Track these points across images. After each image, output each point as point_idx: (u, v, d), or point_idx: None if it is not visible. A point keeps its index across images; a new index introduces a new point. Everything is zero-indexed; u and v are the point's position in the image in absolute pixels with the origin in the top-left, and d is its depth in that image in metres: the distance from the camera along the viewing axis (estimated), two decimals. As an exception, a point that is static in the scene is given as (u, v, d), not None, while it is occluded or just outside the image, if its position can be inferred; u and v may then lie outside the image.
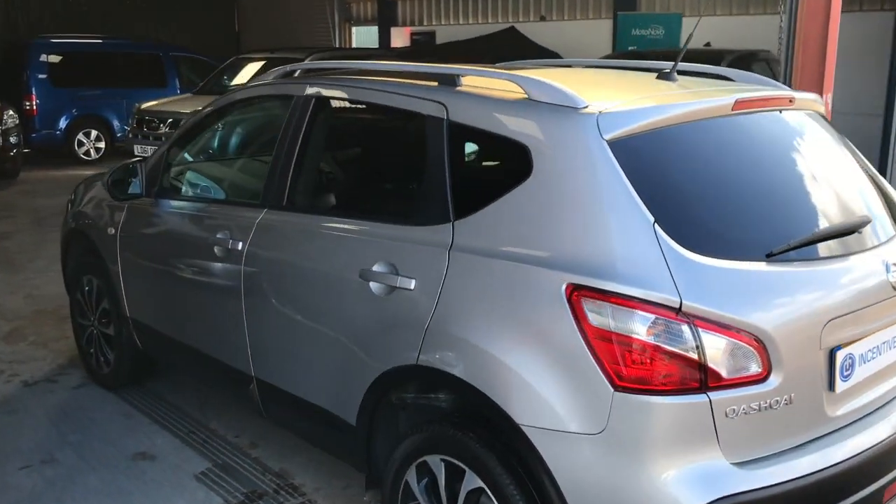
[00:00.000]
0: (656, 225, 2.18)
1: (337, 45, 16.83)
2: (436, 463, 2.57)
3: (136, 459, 3.80)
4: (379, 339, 2.69)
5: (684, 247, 2.18)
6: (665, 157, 2.40)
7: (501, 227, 2.42)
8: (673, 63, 2.90)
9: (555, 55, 11.18)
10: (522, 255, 2.33)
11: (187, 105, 10.78)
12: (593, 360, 2.14)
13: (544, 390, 2.23)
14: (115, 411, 4.30)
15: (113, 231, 4.13)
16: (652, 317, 2.11)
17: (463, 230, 2.51)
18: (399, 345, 2.61)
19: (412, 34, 15.77)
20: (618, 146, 2.29)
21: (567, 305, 2.19)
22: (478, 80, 2.77)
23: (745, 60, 8.64)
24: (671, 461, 2.12)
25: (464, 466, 2.46)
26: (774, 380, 2.18)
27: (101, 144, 13.96)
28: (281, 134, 3.24)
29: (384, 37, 16.19)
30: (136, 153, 10.78)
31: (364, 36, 17.38)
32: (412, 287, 2.57)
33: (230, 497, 3.47)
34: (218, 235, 3.38)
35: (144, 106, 11.04)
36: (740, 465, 2.17)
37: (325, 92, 3.15)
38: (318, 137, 3.19)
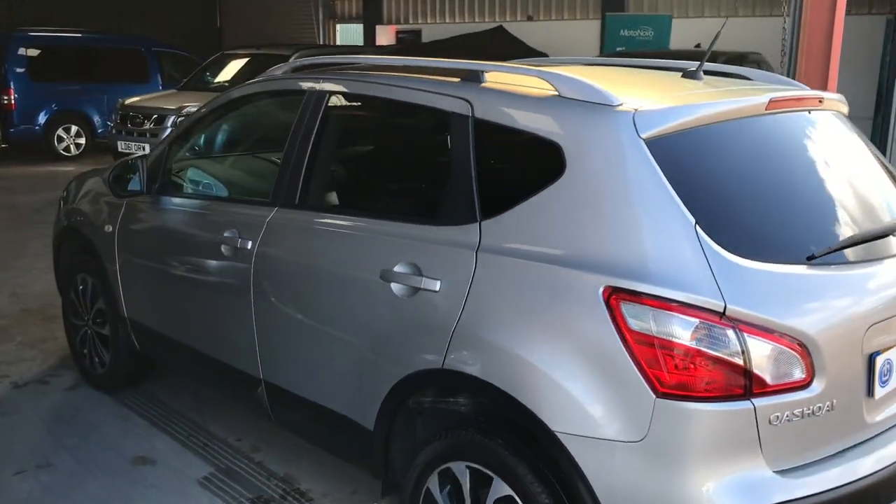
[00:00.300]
0: (697, 226, 2.13)
1: (321, 43, 16.68)
2: (460, 470, 2.50)
3: (136, 464, 3.69)
4: (400, 341, 2.62)
5: (725, 249, 2.13)
6: (701, 157, 2.35)
7: (532, 228, 2.35)
8: (699, 62, 2.85)
9: (543, 55, 11.14)
10: (556, 257, 2.27)
11: (172, 101, 10.63)
12: (634, 366, 2.08)
13: (581, 396, 2.16)
14: (112, 414, 4.18)
15: (111, 229, 4.02)
16: (696, 321, 2.05)
17: (490, 230, 2.44)
18: (423, 348, 2.53)
19: (398, 32, 15.67)
20: (655, 145, 2.24)
21: (605, 309, 2.13)
22: (502, 77, 2.70)
23: (736, 62, 8.61)
24: (714, 470, 2.06)
25: (491, 474, 2.39)
26: (817, 386, 2.14)
27: (82, 140, 13.73)
28: (292, 130, 3.15)
29: (369, 34, 16.08)
30: (119, 149, 10.61)
31: (348, 33, 17.25)
32: (437, 289, 2.50)
33: (235, 503, 3.37)
34: (225, 234, 3.29)
35: (128, 102, 10.85)
36: (782, 473, 2.12)
37: (340, 87, 3.07)
38: (333, 134, 3.11)
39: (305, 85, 3.18)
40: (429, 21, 15.26)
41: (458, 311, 2.42)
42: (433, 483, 2.59)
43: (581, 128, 2.33)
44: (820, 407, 2.15)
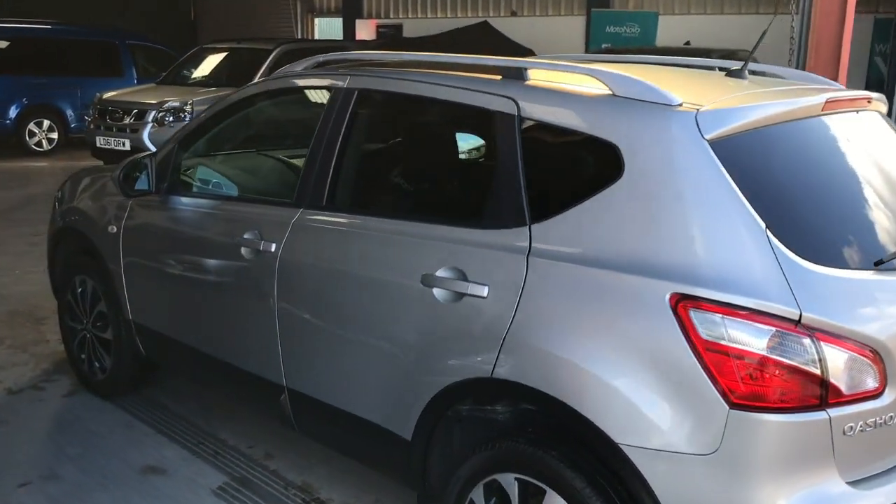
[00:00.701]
0: (768, 231, 2.06)
1: (299, 37, 16.46)
2: (509, 482, 2.41)
3: (145, 474, 3.55)
4: (443, 349, 2.52)
5: (797, 254, 2.06)
6: (764, 160, 2.28)
7: (588, 232, 2.27)
8: (744, 62, 2.78)
9: (529, 52, 11.08)
10: (615, 262, 2.19)
11: (152, 96, 10.40)
12: (705, 376, 2.01)
13: (647, 407, 2.08)
14: (115, 421, 4.03)
15: (115, 229, 3.86)
16: (771, 329, 1.98)
17: (542, 234, 2.35)
18: (469, 356, 2.44)
19: (378, 27, 15.51)
20: (719, 146, 2.16)
21: (673, 317, 2.06)
22: (547, 74, 2.62)
23: (726, 60, 8.64)
24: (788, 483, 2.00)
25: (544, 486, 2.31)
26: (889, 394, 2.08)
27: (54, 135, 13.42)
28: (318, 129, 3.03)
29: (349, 29, 15.89)
30: (98, 145, 10.36)
31: (327, 28, 17.05)
32: (485, 294, 2.40)
33: (255, 514, 3.27)
34: (245, 236, 3.16)
35: (106, 96, 10.59)
36: (854, 484, 2.07)
37: (371, 84, 2.96)
38: (363, 133, 3.00)
39: (331, 82, 3.07)
40: (410, 15, 15.12)
41: (509, 317, 2.33)
42: (477, 495, 2.50)
43: (640, 128, 2.24)
44: (892, 416, 2.09)
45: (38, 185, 10.90)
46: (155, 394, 4.32)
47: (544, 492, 2.31)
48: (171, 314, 3.69)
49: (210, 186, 3.64)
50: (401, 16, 15.32)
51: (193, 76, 11.48)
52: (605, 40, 11.30)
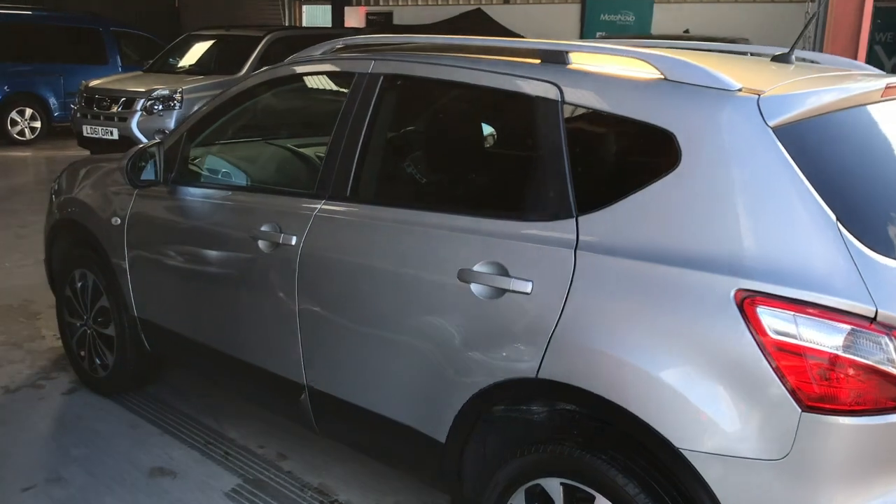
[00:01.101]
0: (839, 223, 1.95)
1: (287, 24, 16.22)
2: (553, 487, 2.29)
3: (154, 476, 3.41)
4: (483, 347, 2.39)
5: (868, 247, 1.95)
6: (829, 148, 2.17)
7: (643, 224, 2.14)
8: (790, 47, 2.67)
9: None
10: (673, 257, 2.07)
11: (140, 84, 10.18)
12: (775, 377, 1.90)
13: (711, 410, 1.97)
14: (119, 420, 3.88)
15: (118, 221, 3.70)
16: (846, 327, 1.87)
17: (590, 227, 2.23)
18: (512, 355, 2.31)
19: (368, 14, 15.29)
20: (783, 133, 2.05)
21: (738, 314, 1.94)
22: (589, 58, 2.49)
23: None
24: (862, 489, 1.89)
25: (593, 492, 2.19)
26: None
27: (37, 124, 13.15)
28: (341, 116, 2.88)
29: (337, 16, 15.66)
30: (84, 134, 10.12)
31: (315, 15, 16.80)
32: (528, 291, 2.28)
33: (273, 518, 3.13)
34: (262, 228, 3.01)
35: (93, 84, 10.35)
36: None
37: (397, 69, 2.81)
38: (390, 120, 2.86)
39: (354, 67, 2.92)
40: (400, 3, 14.91)
41: (556, 315, 2.21)
42: (518, 500, 2.39)
43: (698, 115, 2.12)
44: None
45: (22, 176, 10.66)
46: (159, 391, 4.17)
47: (593, 498, 2.19)
48: (180, 310, 3.54)
49: (222, 176, 3.48)
50: (391, 3, 15.11)
51: (181, 64, 11.27)
52: (599, 28, 11.19)
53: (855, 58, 4.71)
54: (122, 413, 3.95)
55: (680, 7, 10.50)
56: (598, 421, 2.28)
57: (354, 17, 15.40)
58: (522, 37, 11.37)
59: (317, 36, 11.50)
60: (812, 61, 3.03)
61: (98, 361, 4.07)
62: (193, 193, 3.42)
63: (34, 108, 13.09)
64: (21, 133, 12.99)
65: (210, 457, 3.56)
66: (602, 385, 2.12)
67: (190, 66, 11.10)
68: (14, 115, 12.91)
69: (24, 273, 6.11)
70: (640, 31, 10.65)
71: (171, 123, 9.57)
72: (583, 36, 11.38)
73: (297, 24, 16.57)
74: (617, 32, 10.77)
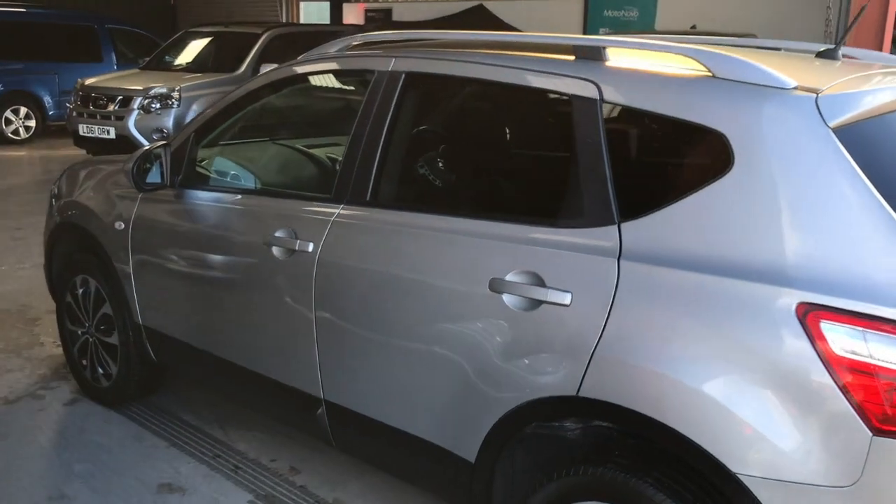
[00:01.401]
0: (909, 231, 1.81)
1: (284, 21, 16.03)
2: (593, 512, 2.15)
3: (162, 492, 3.26)
4: (517, 362, 2.25)
5: None
6: (889, 149, 2.03)
7: (692, 232, 2.00)
8: (836, 43, 2.53)
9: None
10: (726, 267, 1.93)
11: (137, 81, 10.00)
12: (843, 398, 1.76)
13: (771, 433, 1.83)
14: (123, 433, 3.72)
15: (122, 226, 3.55)
16: None
17: (634, 234, 2.09)
18: (550, 371, 2.17)
19: (366, 11, 15.11)
20: (843, 135, 1.91)
21: (801, 329, 1.80)
22: (627, 53, 2.35)
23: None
24: None
25: (639, 518, 2.05)
26: None
27: (32, 123, 12.95)
28: (360, 116, 2.74)
29: (336, 13, 15.47)
30: (80, 133, 9.94)
31: (313, 12, 16.60)
32: (567, 302, 2.13)
33: (289, 538, 2.99)
34: (276, 234, 2.87)
35: (89, 82, 10.16)
36: None
37: (420, 67, 2.66)
38: (413, 120, 2.71)
39: (373, 64, 2.77)
40: (400, -1, 14.73)
41: (599, 329, 2.07)
42: (555, 526, 2.24)
43: (752, 115, 1.98)
44: None
45: (17, 176, 10.48)
46: (164, 401, 4.02)
47: (639, 524, 2.05)
48: (188, 319, 3.39)
49: (231, 179, 3.33)
50: (390, 0, 14.92)
51: (178, 61, 11.09)
52: (603, 24, 11.05)
53: (880, 51, 4.58)
54: (127, 425, 3.80)
55: (683, 3, 10.34)
56: (640, 439, 2.14)
57: (353, 14, 15.22)
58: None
59: (316, 33, 11.37)
60: (852, 57, 2.89)
61: (101, 371, 3.92)
62: (202, 197, 3.27)
63: (29, 106, 12.90)
64: (16, 132, 12.80)
65: (219, 471, 3.42)
66: (650, 405, 1.98)
67: (187, 63, 10.93)
68: (8, 113, 12.72)
69: (21, 276, 5.95)
70: (643, 27, 10.51)
71: (170, 122, 9.41)
72: (586, 32, 11.23)
73: (295, 21, 16.39)
74: (621, 28, 10.63)
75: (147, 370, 3.80)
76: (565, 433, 2.33)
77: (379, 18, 14.54)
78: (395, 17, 14.38)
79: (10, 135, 12.70)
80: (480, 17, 11.96)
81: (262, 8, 16.74)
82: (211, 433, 3.74)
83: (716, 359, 1.91)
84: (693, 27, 9.16)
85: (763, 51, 2.87)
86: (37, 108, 12.98)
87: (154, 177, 3.32)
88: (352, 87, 2.87)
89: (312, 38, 11.06)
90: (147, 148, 3.33)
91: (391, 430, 2.64)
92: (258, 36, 10.50)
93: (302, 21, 16.25)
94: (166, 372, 3.98)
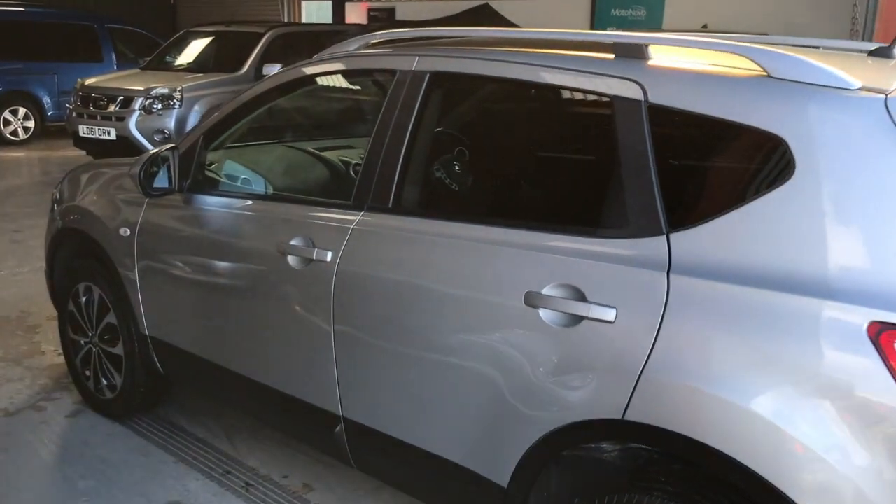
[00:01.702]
0: None
1: (285, 21, 15.87)
2: (641, 545, 2.01)
3: (170, 511, 3.12)
4: (556, 382, 2.10)
5: None
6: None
7: (749, 244, 1.86)
8: (893, 41, 2.39)
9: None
10: (787, 282, 1.78)
11: (138, 82, 9.85)
12: (923, 426, 1.61)
13: (842, 464, 1.69)
14: (128, 448, 3.57)
15: (127, 232, 3.40)
16: None
17: (685, 246, 1.94)
18: (593, 392, 2.02)
19: (369, 10, 14.95)
20: None
21: (874, 350, 1.66)
22: (671, 52, 2.21)
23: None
24: None
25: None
26: None
27: (31, 124, 12.79)
28: (381, 118, 2.59)
29: (338, 12, 15.31)
30: (80, 134, 9.79)
31: (315, 11, 16.44)
32: (611, 319, 1.99)
33: (305, 562, 2.84)
34: (292, 242, 2.72)
35: (89, 82, 10.00)
36: None
37: (447, 66, 2.52)
38: (439, 123, 2.56)
39: (395, 63, 2.62)
40: (403, -1, 14.54)
41: (647, 348, 1.92)
42: (597, 558, 2.10)
43: (815, 117, 1.83)
44: None
45: (16, 177, 10.32)
46: (170, 413, 3.88)
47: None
48: (198, 330, 3.24)
49: (242, 184, 3.18)
50: (393, -1, 14.75)
51: (180, 61, 10.94)
52: (610, 23, 10.90)
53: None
54: (132, 438, 3.65)
55: (691, 2, 10.19)
56: (687, 464, 1.99)
57: (355, 13, 15.07)
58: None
59: (320, 33, 11.23)
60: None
61: (105, 382, 3.77)
62: (211, 202, 3.12)
63: (27, 107, 12.74)
64: (14, 133, 12.65)
65: (230, 489, 3.27)
66: (706, 431, 1.83)
67: (189, 63, 10.79)
68: (7, 114, 12.56)
69: (21, 281, 5.80)
70: (651, 26, 10.36)
71: (171, 123, 9.26)
72: (593, 30, 11.07)
73: (297, 21, 16.23)
74: (628, 28, 10.48)
75: (153, 382, 3.65)
76: (605, 456, 2.18)
77: (382, 18, 14.38)
78: (399, 16, 14.22)
79: (8, 136, 12.54)
80: (485, 17, 11.81)
81: (263, 7, 16.59)
82: (219, 447, 3.59)
83: (775, 382, 1.76)
84: (704, 26, 9.02)
85: (806, 49, 2.72)
86: (36, 108, 12.83)
87: (161, 181, 3.17)
88: (373, 88, 2.72)
89: (315, 37, 10.92)
90: (154, 151, 3.18)
91: (415, 451, 2.49)
92: (261, 35, 10.35)
93: (304, 20, 16.10)
94: (173, 383, 3.83)
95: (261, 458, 3.49)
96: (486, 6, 12.29)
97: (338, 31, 11.14)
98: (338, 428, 2.72)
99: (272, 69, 9.45)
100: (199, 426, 3.76)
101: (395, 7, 14.51)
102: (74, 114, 9.91)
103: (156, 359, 3.48)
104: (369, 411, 2.62)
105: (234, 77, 9.80)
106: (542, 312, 2.11)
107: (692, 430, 1.85)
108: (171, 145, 3.20)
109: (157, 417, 3.83)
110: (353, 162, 3.55)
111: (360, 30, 11.37)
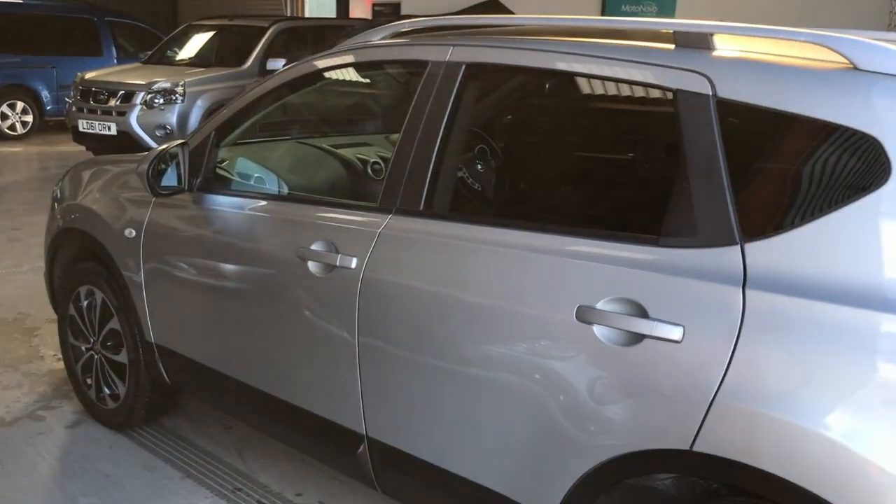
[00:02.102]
0: None
1: (289, 14, 15.64)
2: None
3: (178, 533, 2.92)
4: (612, 408, 1.90)
5: None
6: None
7: (838, 256, 1.66)
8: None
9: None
10: (884, 299, 1.58)
11: (140, 76, 9.63)
12: None
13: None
14: (132, 461, 3.37)
15: (133, 233, 3.19)
16: None
17: (761, 257, 1.74)
18: (655, 419, 1.82)
19: (374, 5, 14.71)
20: None
21: None
22: (738, 41, 2.00)
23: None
24: None
25: None
26: None
27: (29, 118, 12.57)
28: (411, 113, 2.38)
29: (342, 7, 15.09)
30: (80, 129, 9.56)
31: (317, 5, 16.21)
32: (678, 338, 1.78)
33: (324, 591, 2.64)
34: (313, 247, 2.52)
35: (89, 76, 9.78)
36: None
37: (485, 57, 2.31)
38: (476, 119, 2.36)
39: (427, 54, 2.42)
40: (408, -8, 14.28)
41: (721, 371, 1.72)
42: None
43: (915, 114, 1.63)
44: None
45: (14, 173, 10.10)
46: (175, 424, 3.67)
47: None
48: (208, 338, 3.03)
49: (257, 183, 2.98)
50: (398, -7, 14.50)
51: (182, 56, 10.72)
52: (621, 20, 10.67)
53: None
54: (136, 451, 3.45)
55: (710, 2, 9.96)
56: (751, 497, 1.79)
57: (360, 8, 14.82)
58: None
59: (324, 27, 11.02)
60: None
61: (107, 391, 3.57)
62: (224, 202, 2.91)
63: (26, 101, 12.52)
64: (12, 127, 12.43)
65: (241, 507, 3.07)
66: (787, 466, 1.63)
67: (191, 58, 10.57)
68: (5, 108, 12.34)
69: (19, 281, 5.59)
70: (663, 22, 10.14)
71: (173, 118, 9.05)
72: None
73: (299, 15, 16.00)
74: (639, 24, 10.27)
75: (158, 392, 3.45)
76: (659, 487, 1.98)
77: (387, 13, 14.14)
78: (405, 10, 13.97)
79: (6, 130, 12.33)
80: (494, 11, 11.56)
81: (264, 1, 16.36)
82: (229, 461, 3.39)
83: (871, 413, 1.56)
84: (720, 23, 8.79)
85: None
86: (34, 102, 12.61)
87: (170, 180, 2.96)
88: (401, 81, 2.51)
89: (320, 32, 10.72)
90: (163, 148, 2.97)
91: (448, 477, 2.28)
92: (265, 29, 10.14)
93: (307, 14, 15.87)
94: (179, 393, 3.63)
95: (273, 474, 3.29)
96: (495, 1, 12.05)
97: (342, 25, 10.92)
98: (361, 448, 2.52)
99: (276, 64, 9.25)
100: (207, 438, 3.56)
101: (401, 1, 14.27)
102: (74, 108, 9.68)
103: (162, 368, 3.28)
104: (397, 431, 2.41)
105: (237, 72, 9.60)
106: (597, 329, 1.90)
107: (771, 464, 1.65)
108: (180, 141, 2.99)
109: (162, 429, 3.63)
110: (366, 159, 3.35)
111: (365, 24, 11.15)
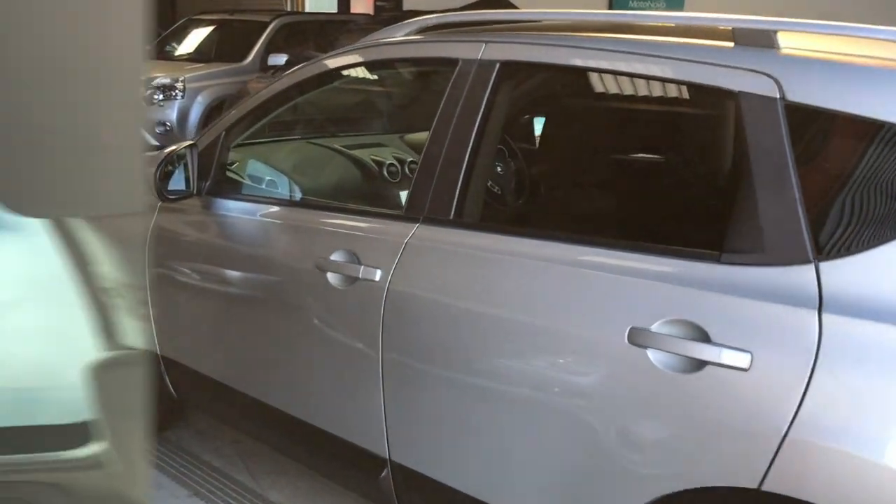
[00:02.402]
0: None
1: (291, 10, 15.45)
2: None
3: (186, 558, 2.75)
4: (668, 440, 1.74)
5: None
6: None
7: (929, 278, 1.50)
8: None
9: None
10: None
11: (138, 71, 9.42)
12: None
13: None
14: (136, 479, 3.20)
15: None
16: None
17: (839, 278, 1.58)
18: (718, 454, 1.67)
19: (376, 0, 14.54)
20: None
21: None
22: (804, 39, 1.85)
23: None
24: None
25: None
26: None
27: (24, 115, 12.36)
28: (440, 115, 2.22)
29: (343, 2, 14.91)
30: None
31: (319, 1, 16.02)
32: (745, 366, 1.62)
33: None
34: (333, 258, 2.35)
35: (87, 71, 9.59)
36: None
37: (521, 55, 2.15)
38: (512, 122, 2.19)
39: (457, 51, 2.25)
40: (411, -12, 14.11)
41: (795, 403, 1.56)
42: None
43: None
44: None
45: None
46: (180, 438, 3.50)
47: None
48: (218, 352, 2.87)
49: (270, 187, 2.82)
50: (401, -12, 14.32)
51: (182, 51, 10.55)
52: (628, 16, 10.53)
53: None
54: (140, 468, 3.28)
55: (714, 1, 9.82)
56: None
57: (361, 3, 14.65)
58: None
59: (327, 22, 10.84)
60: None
61: (109, 403, 3.40)
62: (235, 208, 2.75)
63: (21, 97, 12.33)
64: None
65: (252, 530, 2.91)
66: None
67: (191, 53, 10.40)
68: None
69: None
70: (672, 19, 10.00)
71: (173, 115, 8.88)
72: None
73: (300, 10, 15.81)
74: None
75: (164, 406, 3.28)
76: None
77: (389, 8, 13.97)
78: (407, 6, 13.79)
79: (2, 126, 12.13)
80: (500, 8, 11.40)
81: (265, -5, 16.15)
82: (237, 478, 3.22)
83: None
84: (731, 19, 8.64)
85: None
86: (30, 98, 12.41)
87: (178, 183, 2.80)
88: (428, 80, 2.36)
89: (322, 27, 10.54)
90: (170, 149, 2.80)
91: (480, 506, 2.12)
92: (266, 24, 9.98)
93: (308, 10, 15.67)
94: (186, 407, 3.48)
95: (284, 492, 3.13)
96: (501, -4, 11.88)
97: (344, 20, 10.75)
98: (384, 473, 2.35)
99: (278, 59, 9.08)
100: (214, 454, 3.39)
101: (403, -3, 14.10)
102: (71, 105, 9.50)
103: (168, 381, 3.12)
104: (424, 456, 2.25)
105: (238, 67, 9.43)
106: (652, 353, 1.74)
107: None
108: (189, 142, 2.82)
109: (166, 443, 3.46)
110: (382, 161, 3.19)
111: (367, 20, 10.99)
